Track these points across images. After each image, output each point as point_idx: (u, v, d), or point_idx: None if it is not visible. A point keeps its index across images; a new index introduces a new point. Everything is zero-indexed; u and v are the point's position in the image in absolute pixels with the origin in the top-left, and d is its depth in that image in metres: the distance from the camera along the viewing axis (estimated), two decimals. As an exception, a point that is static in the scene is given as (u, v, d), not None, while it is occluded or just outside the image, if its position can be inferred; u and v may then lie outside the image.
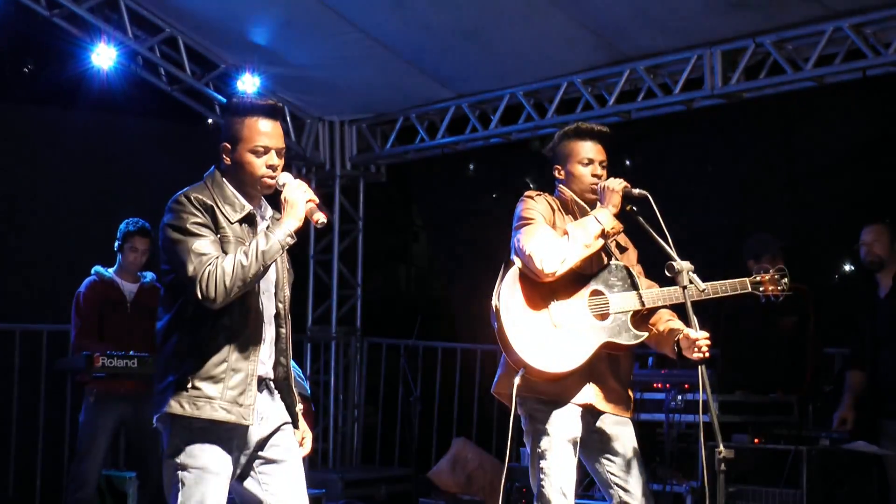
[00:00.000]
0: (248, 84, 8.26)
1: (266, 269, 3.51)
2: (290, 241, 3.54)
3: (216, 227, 3.55)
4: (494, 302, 4.17)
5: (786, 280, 4.39)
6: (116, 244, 6.53)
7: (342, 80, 8.50)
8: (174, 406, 3.51)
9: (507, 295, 4.17)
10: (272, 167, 3.61)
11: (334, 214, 9.39)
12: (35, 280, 8.29)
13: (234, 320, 3.57)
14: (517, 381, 4.16)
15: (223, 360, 3.54)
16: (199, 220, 3.52)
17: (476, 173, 11.12)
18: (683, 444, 6.52)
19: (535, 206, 4.31)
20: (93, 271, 6.52)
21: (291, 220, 3.54)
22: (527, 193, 4.38)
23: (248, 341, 3.59)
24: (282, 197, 3.59)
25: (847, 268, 8.95)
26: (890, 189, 7.75)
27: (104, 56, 7.75)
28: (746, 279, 4.38)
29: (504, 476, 4.45)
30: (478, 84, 8.25)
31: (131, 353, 6.14)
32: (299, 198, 3.56)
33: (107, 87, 7.92)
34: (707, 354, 4.10)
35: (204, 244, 3.48)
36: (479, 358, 8.99)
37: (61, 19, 7.62)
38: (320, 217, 3.58)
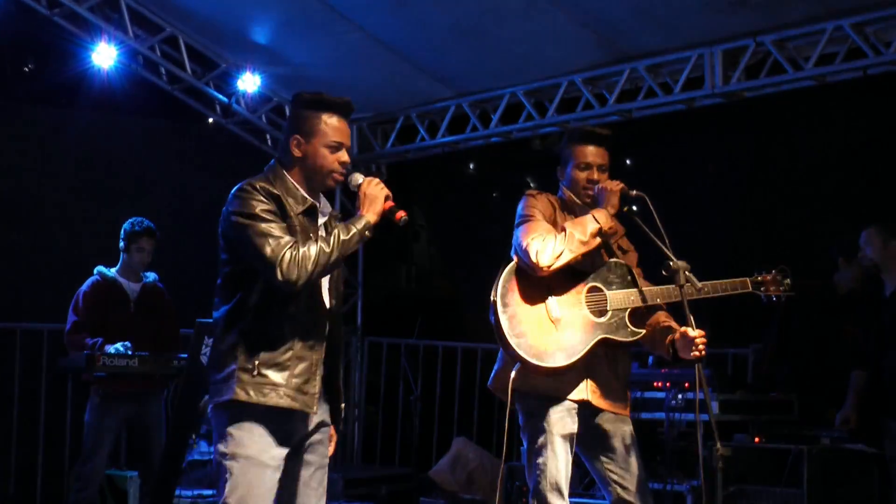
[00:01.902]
0: (249, 83, 8.27)
1: (343, 259, 3.58)
2: (369, 234, 3.60)
3: (283, 216, 3.57)
4: (493, 296, 4.20)
5: (788, 281, 4.39)
6: (121, 244, 6.51)
7: (342, 80, 8.48)
8: (239, 393, 3.52)
9: (505, 289, 4.21)
10: (343, 164, 3.67)
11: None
12: (35, 279, 8.29)
13: (300, 310, 3.60)
14: (513, 375, 4.20)
15: (289, 348, 3.56)
16: (267, 207, 3.54)
17: (476, 172, 11.12)
18: (684, 442, 6.51)
19: (536, 203, 4.36)
20: (95, 271, 6.50)
21: (371, 215, 3.62)
22: (528, 192, 4.44)
23: (312, 332, 3.62)
24: (361, 192, 3.65)
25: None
26: (891, 187, 7.75)
27: (105, 55, 7.75)
28: (748, 279, 4.39)
29: (501, 473, 4.46)
30: (478, 83, 8.25)
31: (131, 352, 6.15)
32: (378, 194, 3.64)
33: (107, 86, 7.93)
34: (704, 353, 4.10)
35: (277, 228, 3.51)
36: (479, 357, 8.99)
37: (62, 18, 7.63)
38: (402, 214, 3.65)
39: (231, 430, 3.55)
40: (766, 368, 7.15)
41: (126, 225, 6.51)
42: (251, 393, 3.51)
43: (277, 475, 3.58)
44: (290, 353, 3.56)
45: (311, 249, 3.48)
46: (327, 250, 3.50)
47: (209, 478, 7.76)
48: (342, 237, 3.53)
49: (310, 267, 3.46)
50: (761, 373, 7.11)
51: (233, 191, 3.60)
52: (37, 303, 8.13)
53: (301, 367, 3.57)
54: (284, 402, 3.53)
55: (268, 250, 3.45)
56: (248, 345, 3.54)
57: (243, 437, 3.53)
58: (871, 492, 6.17)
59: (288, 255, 3.44)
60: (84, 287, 6.46)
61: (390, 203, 3.66)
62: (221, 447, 3.56)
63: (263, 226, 3.49)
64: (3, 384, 7.82)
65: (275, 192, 3.58)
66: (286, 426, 3.59)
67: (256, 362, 3.52)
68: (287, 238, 3.49)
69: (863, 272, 6.54)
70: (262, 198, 3.54)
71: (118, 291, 6.48)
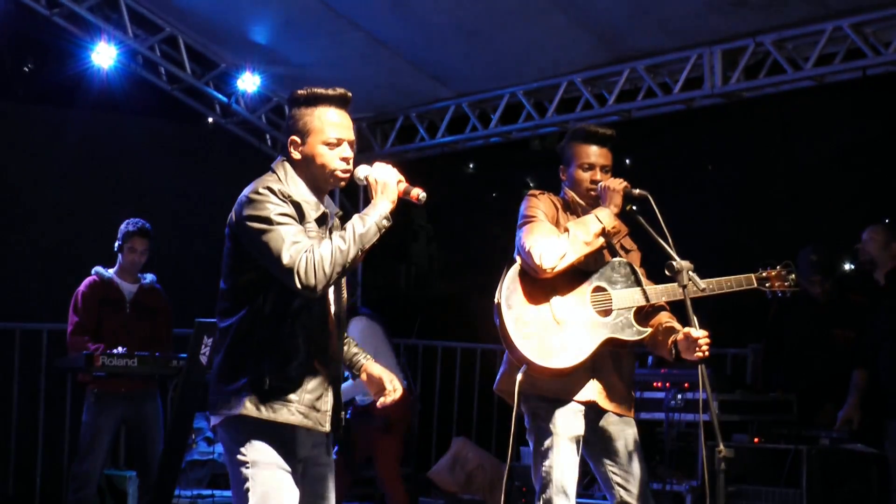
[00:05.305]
0: (249, 83, 8.27)
1: (363, 253, 3.33)
2: (387, 223, 3.36)
3: (300, 219, 3.37)
4: (497, 298, 4.17)
5: (793, 276, 4.38)
6: (116, 244, 6.51)
7: (342, 79, 8.34)
8: (249, 408, 3.32)
9: (510, 291, 4.18)
10: (346, 160, 3.45)
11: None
12: (35, 279, 8.29)
13: (314, 321, 3.41)
14: (519, 377, 4.17)
15: (301, 362, 3.37)
16: (283, 211, 3.30)
17: (476, 172, 11.13)
18: (683, 443, 6.52)
19: (538, 203, 4.33)
20: (93, 271, 6.51)
21: (385, 202, 3.37)
22: (530, 192, 4.40)
23: (325, 343, 3.44)
24: (371, 180, 3.41)
25: (847, 267, 8.96)
26: (890, 187, 7.76)
27: (104, 55, 7.75)
28: (752, 275, 4.37)
29: (506, 474, 4.45)
30: (478, 83, 8.24)
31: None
32: (390, 178, 3.40)
33: (107, 86, 7.93)
34: (707, 353, 4.09)
35: (295, 231, 3.28)
36: (478, 357, 9.00)
37: (61, 18, 7.63)
38: (419, 193, 3.43)
39: (245, 439, 3.35)
40: (761, 373, 7.17)
41: (122, 225, 6.51)
42: (262, 409, 3.31)
43: (295, 485, 3.40)
44: (302, 368, 3.36)
45: (326, 250, 3.23)
46: (343, 248, 3.25)
47: (208, 478, 7.78)
48: (358, 231, 3.28)
49: (328, 269, 3.22)
50: (757, 376, 7.12)
51: (244, 194, 3.37)
52: (37, 303, 8.13)
53: (314, 382, 3.38)
54: (296, 418, 3.34)
55: (285, 257, 3.22)
56: (261, 357, 3.34)
57: (259, 444, 3.35)
58: (870, 492, 6.17)
59: (305, 260, 3.21)
60: (82, 287, 6.46)
61: (405, 185, 3.41)
62: (240, 456, 3.36)
63: (280, 229, 3.26)
64: (3, 384, 7.82)
65: (294, 197, 3.35)
66: (294, 442, 3.40)
67: (269, 376, 3.32)
68: (304, 242, 3.26)
69: (833, 282, 6.61)
70: (278, 201, 3.30)
71: (114, 292, 6.47)
